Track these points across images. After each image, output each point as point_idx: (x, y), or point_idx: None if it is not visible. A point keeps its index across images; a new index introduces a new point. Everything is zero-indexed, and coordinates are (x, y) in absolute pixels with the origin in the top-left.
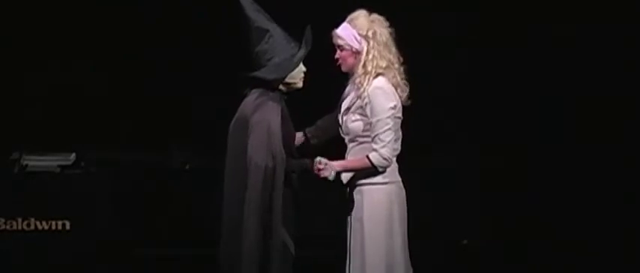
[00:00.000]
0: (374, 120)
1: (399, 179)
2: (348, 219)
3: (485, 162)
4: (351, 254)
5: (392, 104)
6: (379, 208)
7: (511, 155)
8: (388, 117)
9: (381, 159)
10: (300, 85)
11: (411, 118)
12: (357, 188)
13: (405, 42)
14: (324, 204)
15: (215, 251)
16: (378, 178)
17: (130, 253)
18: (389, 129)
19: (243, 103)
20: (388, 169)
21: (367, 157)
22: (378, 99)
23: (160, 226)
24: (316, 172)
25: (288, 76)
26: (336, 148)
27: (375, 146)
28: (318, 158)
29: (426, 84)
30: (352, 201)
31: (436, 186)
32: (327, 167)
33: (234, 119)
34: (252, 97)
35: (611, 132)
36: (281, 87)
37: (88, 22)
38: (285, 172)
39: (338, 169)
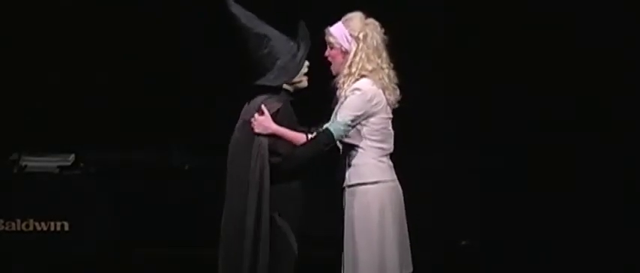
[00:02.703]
0: (339, 108)
1: (393, 178)
2: (344, 219)
3: (485, 162)
4: (345, 254)
5: (361, 112)
6: (370, 207)
7: (511, 155)
8: (351, 114)
9: (327, 136)
10: (305, 84)
11: (411, 118)
12: (349, 189)
13: (404, 41)
14: (324, 204)
15: (215, 251)
16: (369, 178)
17: (129, 253)
18: (346, 121)
19: (248, 108)
20: (379, 169)
21: (318, 133)
22: (352, 97)
23: (159, 226)
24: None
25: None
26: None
27: (327, 124)
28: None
29: (425, 84)
30: (345, 202)
31: (436, 186)
32: (258, 123)
33: (240, 123)
34: (259, 101)
35: (611, 132)
36: (287, 87)
37: (88, 23)
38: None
39: (268, 131)
